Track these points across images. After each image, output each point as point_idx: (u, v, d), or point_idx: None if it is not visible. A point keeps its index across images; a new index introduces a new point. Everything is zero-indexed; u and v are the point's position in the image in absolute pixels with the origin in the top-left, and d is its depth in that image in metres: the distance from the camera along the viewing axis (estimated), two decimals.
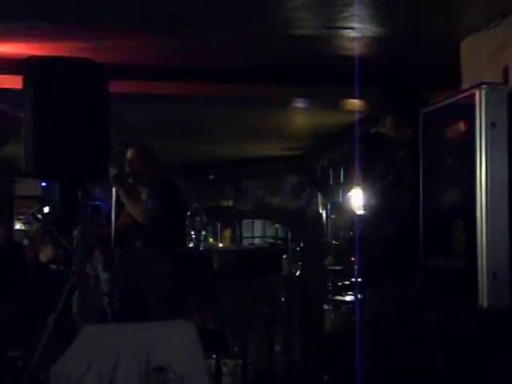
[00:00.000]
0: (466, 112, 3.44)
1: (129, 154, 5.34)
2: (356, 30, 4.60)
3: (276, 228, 6.76)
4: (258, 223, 11.07)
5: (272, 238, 6.66)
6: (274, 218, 6.63)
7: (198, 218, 6.84)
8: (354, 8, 4.10)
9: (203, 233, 7.32)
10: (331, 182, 9.86)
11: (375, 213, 4.12)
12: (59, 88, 3.73)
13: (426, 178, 3.78)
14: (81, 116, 3.76)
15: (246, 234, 11.11)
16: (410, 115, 3.82)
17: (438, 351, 3.65)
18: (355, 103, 6.63)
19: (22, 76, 3.81)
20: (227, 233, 10.33)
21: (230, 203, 11.70)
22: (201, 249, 6.66)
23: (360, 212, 4.31)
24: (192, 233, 6.68)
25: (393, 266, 3.84)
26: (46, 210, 6.31)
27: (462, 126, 3.53)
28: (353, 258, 5.32)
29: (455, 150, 3.58)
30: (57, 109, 3.71)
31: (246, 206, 11.21)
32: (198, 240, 6.79)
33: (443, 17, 4.33)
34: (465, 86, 4.28)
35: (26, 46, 4.99)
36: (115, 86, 4.05)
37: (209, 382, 3.47)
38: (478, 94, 3.30)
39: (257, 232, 11.30)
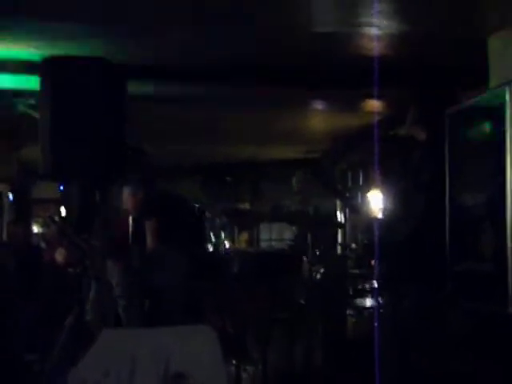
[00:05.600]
0: (493, 111, 3.36)
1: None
2: (378, 28, 4.52)
3: (294, 231, 6.67)
4: (275, 226, 10.98)
5: (291, 240, 6.57)
6: (291, 220, 6.54)
7: (216, 221, 6.78)
8: (377, 5, 4.01)
9: (222, 235, 7.26)
10: (350, 184, 9.76)
11: (392, 215, 4.05)
12: (76, 89, 3.67)
13: (452, 179, 3.70)
14: (98, 117, 3.70)
15: (263, 236, 11.02)
16: (435, 112, 3.75)
17: (465, 357, 3.56)
18: (375, 104, 6.53)
19: (39, 77, 3.77)
20: (244, 236, 10.25)
21: (247, 206, 11.62)
22: (219, 251, 6.59)
23: (378, 215, 4.24)
24: (210, 235, 6.63)
25: (410, 268, 3.76)
26: (64, 213, 6.27)
27: (488, 125, 3.45)
28: (372, 262, 5.24)
29: (482, 150, 3.50)
30: (74, 110, 3.66)
31: (263, 209, 11.14)
32: (216, 243, 6.73)
33: (469, 13, 4.23)
34: (492, 84, 4.17)
35: (43, 46, 4.95)
36: (132, 86, 4.00)
37: None
38: (507, 91, 3.23)
39: (274, 235, 11.21)
